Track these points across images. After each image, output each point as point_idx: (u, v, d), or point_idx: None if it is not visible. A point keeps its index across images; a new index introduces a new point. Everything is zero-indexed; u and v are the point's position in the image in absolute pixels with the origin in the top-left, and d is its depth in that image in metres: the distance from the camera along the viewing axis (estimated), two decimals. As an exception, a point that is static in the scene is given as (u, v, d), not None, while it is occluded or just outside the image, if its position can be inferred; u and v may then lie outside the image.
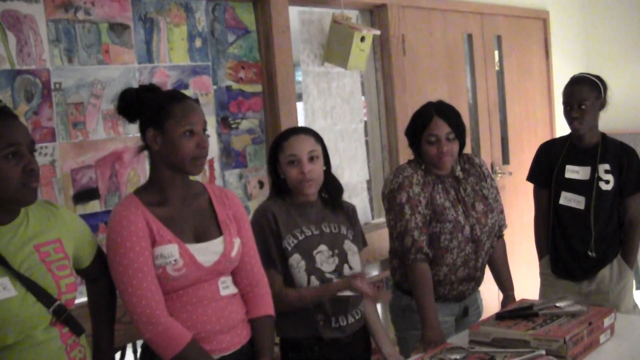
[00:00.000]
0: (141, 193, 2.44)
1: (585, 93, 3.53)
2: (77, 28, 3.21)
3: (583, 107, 3.53)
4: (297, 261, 2.77)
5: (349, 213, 3.01)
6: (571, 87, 3.60)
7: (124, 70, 3.36)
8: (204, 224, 2.47)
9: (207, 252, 2.42)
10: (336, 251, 2.85)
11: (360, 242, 3.02)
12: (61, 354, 2.18)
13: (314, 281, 2.76)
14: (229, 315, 2.46)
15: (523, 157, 5.56)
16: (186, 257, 2.36)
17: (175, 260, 2.33)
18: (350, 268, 2.84)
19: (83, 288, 2.54)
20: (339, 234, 2.90)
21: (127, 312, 2.34)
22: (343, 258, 2.86)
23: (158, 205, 2.41)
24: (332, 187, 2.97)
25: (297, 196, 2.87)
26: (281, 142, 2.88)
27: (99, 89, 3.28)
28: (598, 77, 3.63)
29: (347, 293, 2.75)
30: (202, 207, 2.51)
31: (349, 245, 2.90)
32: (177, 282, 2.36)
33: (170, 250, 2.34)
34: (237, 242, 2.51)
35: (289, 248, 2.78)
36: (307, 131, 2.93)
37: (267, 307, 2.58)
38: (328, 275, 2.79)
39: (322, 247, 2.83)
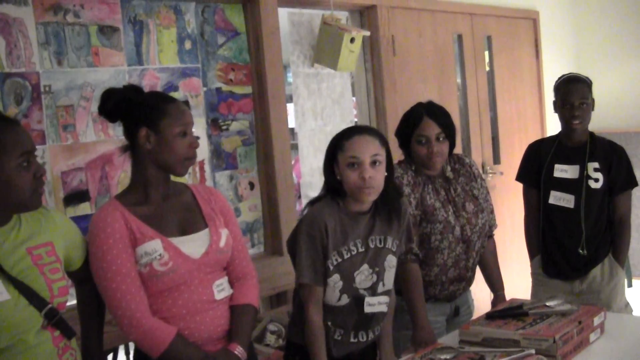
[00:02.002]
0: (122, 196, 2.45)
1: (586, 92, 3.56)
2: (66, 31, 3.21)
3: (584, 105, 3.55)
4: (335, 281, 2.59)
5: (400, 214, 2.75)
6: (570, 86, 3.59)
7: (113, 73, 3.36)
8: (188, 218, 2.48)
9: (194, 244, 2.42)
10: (376, 269, 2.65)
11: (404, 241, 2.81)
12: (53, 357, 2.18)
13: (345, 298, 2.61)
14: (226, 322, 2.48)
15: (514, 157, 5.57)
16: (170, 250, 2.36)
17: (160, 255, 2.34)
18: (384, 285, 2.69)
19: (73, 290, 2.54)
20: (384, 249, 2.68)
21: (110, 314, 2.35)
22: (381, 275, 2.67)
23: (139, 204, 2.41)
24: (390, 196, 2.70)
25: (351, 202, 2.64)
26: (342, 141, 2.61)
27: (88, 92, 3.28)
28: (587, 78, 3.65)
29: (376, 309, 2.66)
30: (186, 203, 2.51)
31: (390, 260, 2.70)
32: (168, 279, 2.35)
33: (153, 246, 2.34)
34: (224, 232, 2.51)
35: (331, 267, 2.58)
36: (372, 132, 2.67)
37: (251, 297, 2.57)
38: (361, 292, 2.64)
39: (364, 267, 2.63)
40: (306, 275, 2.58)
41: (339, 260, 2.59)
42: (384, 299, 2.70)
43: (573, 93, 3.57)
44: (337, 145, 2.62)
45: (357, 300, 2.63)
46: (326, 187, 2.71)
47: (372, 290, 2.66)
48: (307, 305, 2.59)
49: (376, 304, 2.66)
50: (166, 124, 2.37)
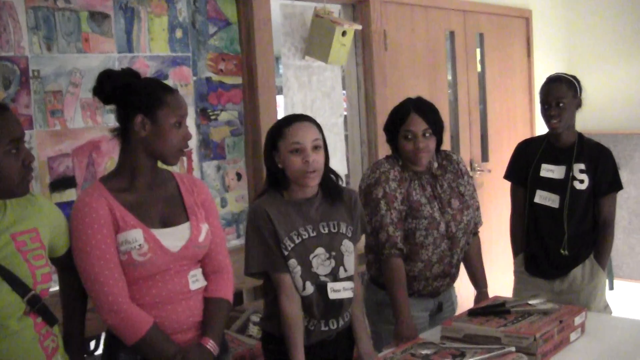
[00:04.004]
0: (107, 180, 2.44)
1: (562, 91, 3.55)
2: (56, 16, 3.19)
3: (561, 104, 3.54)
4: (293, 267, 2.62)
5: (350, 203, 2.80)
6: (548, 86, 3.61)
7: (103, 60, 3.35)
8: (170, 210, 2.48)
9: (174, 237, 2.43)
10: (333, 253, 2.69)
11: (359, 231, 2.84)
12: (35, 343, 2.17)
13: (309, 286, 2.65)
14: (198, 313, 2.49)
15: (502, 155, 5.58)
16: (151, 241, 2.36)
17: (139, 245, 2.34)
18: (345, 270, 2.72)
19: (56, 277, 2.53)
20: (338, 234, 2.72)
21: (90, 299, 2.36)
22: (339, 260, 2.70)
23: (124, 191, 2.41)
24: (330, 179, 2.77)
25: (295, 191, 2.70)
26: (282, 129, 2.67)
27: (77, 78, 3.26)
28: (574, 77, 3.65)
29: (342, 296, 2.70)
30: (170, 193, 2.51)
31: (347, 246, 2.73)
32: (144, 269, 2.36)
33: (134, 235, 2.35)
34: (204, 227, 2.51)
35: (286, 252, 2.63)
36: (309, 119, 2.73)
37: (226, 291, 2.57)
38: (322, 279, 2.67)
39: (319, 250, 2.67)
40: (255, 265, 2.65)
41: (292, 245, 2.63)
42: (348, 284, 2.72)
43: (550, 93, 3.57)
44: (278, 134, 2.68)
45: (321, 288, 2.66)
46: (268, 181, 2.76)
47: (334, 276, 2.69)
48: (278, 296, 2.63)
49: (341, 290, 2.70)
50: (163, 114, 2.37)
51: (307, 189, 2.70)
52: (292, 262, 2.63)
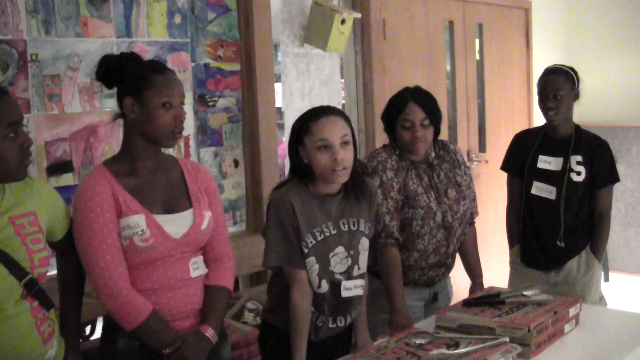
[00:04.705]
0: (111, 163, 2.43)
1: (560, 83, 3.55)
2: (55, -1, 3.18)
3: (558, 97, 3.54)
4: (311, 264, 2.57)
5: (371, 197, 2.74)
6: (546, 78, 3.61)
7: (101, 44, 3.34)
8: (174, 196, 2.47)
9: (176, 224, 2.42)
10: (351, 252, 2.64)
11: (373, 225, 2.80)
12: (31, 327, 2.18)
13: (324, 284, 2.61)
14: (197, 301, 2.48)
15: (499, 146, 5.58)
16: (153, 227, 2.36)
17: (142, 231, 2.33)
18: (359, 268, 2.69)
19: (53, 261, 2.53)
20: (357, 232, 2.67)
21: (90, 283, 2.35)
22: (355, 258, 2.66)
23: (127, 175, 2.40)
24: (358, 175, 2.67)
25: (320, 185, 2.61)
26: (308, 123, 2.55)
27: (75, 62, 3.25)
28: (571, 69, 3.64)
29: (353, 293, 2.67)
30: (173, 179, 2.50)
31: (364, 244, 2.70)
32: (145, 254, 2.36)
33: (137, 220, 2.34)
34: (207, 214, 2.50)
35: (307, 250, 2.57)
36: (337, 112, 2.60)
37: (227, 279, 2.57)
38: (337, 277, 2.64)
39: (339, 249, 2.62)
40: (275, 258, 2.59)
41: (313, 242, 2.58)
42: (360, 282, 2.71)
43: (547, 85, 3.57)
44: (304, 128, 2.56)
45: (335, 286, 2.63)
46: (292, 170, 2.67)
47: (348, 275, 2.66)
48: (290, 289, 2.58)
49: (352, 288, 2.67)
50: (149, 95, 2.35)
51: (334, 185, 2.62)
52: (311, 260, 2.58)
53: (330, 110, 2.60)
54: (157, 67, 2.43)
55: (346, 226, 2.65)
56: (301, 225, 2.55)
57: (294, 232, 2.56)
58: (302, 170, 2.61)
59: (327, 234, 2.60)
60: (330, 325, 2.69)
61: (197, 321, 2.48)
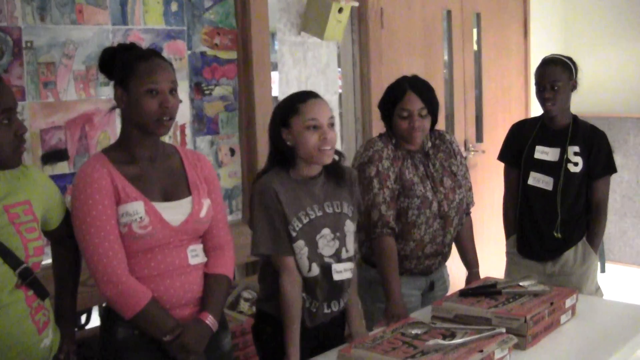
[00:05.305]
0: (110, 151, 2.43)
1: (557, 74, 3.54)
2: (50, -14, 3.16)
3: (555, 87, 3.53)
4: (300, 248, 2.62)
5: (351, 182, 2.81)
6: (543, 68, 3.60)
7: (97, 31, 3.32)
8: (173, 184, 2.46)
9: (175, 211, 2.41)
10: (337, 234, 2.69)
11: (356, 210, 2.84)
12: (25, 316, 2.17)
13: (315, 268, 2.65)
14: (197, 289, 2.47)
15: (496, 136, 5.56)
16: (152, 214, 2.35)
17: (140, 218, 2.33)
18: (347, 251, 2.72)
19: (48, 249, 2.52)
20: (341, 214, 2.72)
21: (88, 270, 2.34)
22: (342, 240, 2.71)
23: (126, 163, 2.39)
24: (337, 159, 2.76)
25: (302, 168, 2.67)
26: (297, 105, 2.63)
27: (71, 49, 3.24)
28: (569, 58, 3.63)
29: (344, 277, 2.71)
30: (173, 167, 2.50)
31: (349, 226, 2.74)
32: (144, 241, 2.35)
33: (136, 207, 2.33)
34: (206, 202, 2.50)
35: (294, 234, 2.61)
36: (320, 96, 2.70)
37: (227, 268, 2.57)
38: (327, 260, 2.67)
39: (325, 231, 2.67)
40: (263, 246, 2.62)
41: (300, 225, 2.61)
42: (349, 265, 2.74)
43: (545, 75, 3.56)
44: (291, 110, 2.64)
45: (325, 269, 2.66)
46: (273, 157, 2.71)
47: (337, 257, 2.69)
48: (280, 277, 2.61)
49: (342, 271, 2.71)
50: (134, 83, 2.34)
51: (314, 167, 2.68)
52: (300, 243, 2.61)
53: (316, 94, 2.70)
54: (142, 55, 2.41)
55: (331, 208, 2.70)
56: (287, 210, 2.60)
57: (279, 219, 2.60)
58: (283, 156, 2.66)
59: (313, 216, 2.65)
60: (325, 311, 2.71)
61: (197, 309, 2.47)
